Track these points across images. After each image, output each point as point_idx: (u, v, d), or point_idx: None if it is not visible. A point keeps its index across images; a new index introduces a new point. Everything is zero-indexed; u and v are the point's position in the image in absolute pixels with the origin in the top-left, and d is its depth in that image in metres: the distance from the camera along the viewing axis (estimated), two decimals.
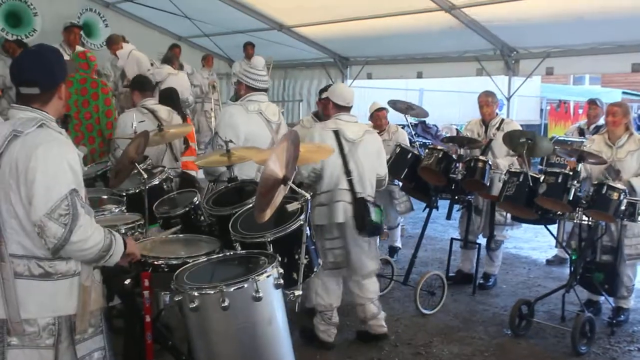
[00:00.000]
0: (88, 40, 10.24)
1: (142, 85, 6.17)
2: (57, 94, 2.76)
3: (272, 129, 4.98)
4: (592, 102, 7.78)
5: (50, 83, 2.74)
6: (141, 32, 11.73)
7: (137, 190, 4.47)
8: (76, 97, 6.41)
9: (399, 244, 7.85)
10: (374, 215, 4.71)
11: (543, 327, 5.54)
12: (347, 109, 4.99)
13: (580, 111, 16.64)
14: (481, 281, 6.72)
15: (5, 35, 9.06)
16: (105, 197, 4.50)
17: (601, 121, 7.50)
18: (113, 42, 8.96)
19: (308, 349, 5.00)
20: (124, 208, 4.25)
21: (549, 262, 7.87)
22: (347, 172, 4.78)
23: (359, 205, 4.72)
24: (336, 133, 4.83)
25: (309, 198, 3.04)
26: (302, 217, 3.13)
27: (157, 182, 4.63)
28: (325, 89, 5.36)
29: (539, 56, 8.84)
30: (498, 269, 6.89)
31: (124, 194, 4.50)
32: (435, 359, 4.97)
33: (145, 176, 4.19)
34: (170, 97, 7.04)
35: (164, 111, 5.99)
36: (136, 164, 4.15)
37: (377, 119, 7.27)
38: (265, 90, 5.22)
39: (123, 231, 3.59)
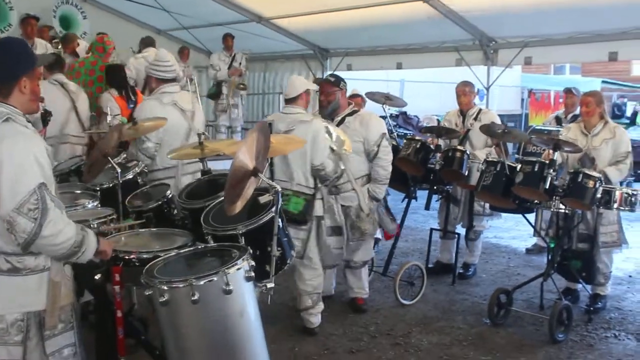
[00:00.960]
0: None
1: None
2: (16, 87, 2.69)
3: (187, 117, 5.27)
4: (568, 91, 7.85)
5: (6, 76, 2.69)
6: (119, 25, 11.56)
7: (111, 185, 4.42)
8: (84, 77, 7.04)
9: (379, 235, 7.83)
10: (291, 205, 4.73)
11: (521, 316, 5.57)
12: (288, 100, 5.11)
13: (561, 100, 16.73)
14: (461, 271, 6.75)
15: None
16: (79, 191, 4.44)
17: (578, 110, 7.54)
18: (69, 41, 8.53)
19: (285, 341, 4.99)
20: (97, 203, 4.18)
21: (528, 250, 7.92)
22: (270, 162, 4.87)
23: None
24: (270, 125, 4.89)
25: (280, 190, 3.01)
26: (274, 209, 3.10)
27: (131, 176, 4.59)
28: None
29: (517, 46, 8.83)
30: (477, 258, 6.92)
31: (98, 188, 4.45)
32: (414, 349, 4.98)
33: (119, 170, 4.13)
34: (115, 74, 7.04)
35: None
36: (109, 158, 4.09)
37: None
38: (175, 79, 5.42)
39: (95, 226, 3.54)
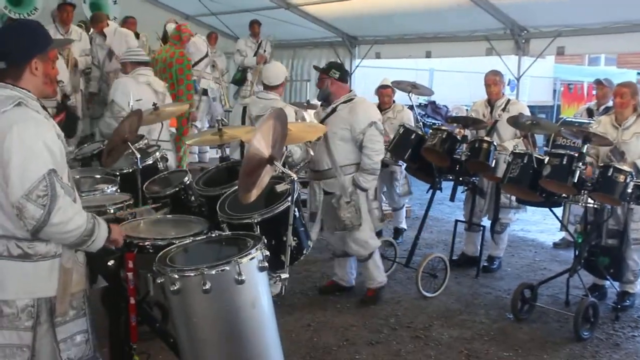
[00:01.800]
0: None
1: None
2: (28, 69, 2.65)
3: (159, 98, 5.97)
4: (599, 82, 7.64)
5: (17, 57, 2.64)
6: (149, 10, 11.61)
7: (131, 170, 4.39)
8: (160, 65, 7.74)
9: (404, 225, 7.77)
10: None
11: (546, 312, 5.45)
12: (268, 87, 5.50)
13: (595, 92, 16.39)
14: (485, 264, 6.63)
15: (9, 13, 8.97)
16: (99, 176, 4.42)
17: (611, 102, 7.35)
18: (98, 21, 8.79)
19: (304, 332, 4.95)
20: (117, 188, 4.16)
21: (556, 245, 7.76)
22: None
23: None
24: (244, 109, 5.55)
25: (295, 179, 2.95)
26: (290, 198, 3.03)
27: (151, 162, 4.56)
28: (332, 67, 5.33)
29: (549, 35, 8.62)
30: (503, 251, 6.79)
31: (118, 173, 4.43)
32: (434, 342, 4.89)
33: (139, 155, 4.11)
34: None
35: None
36: (129, 143, 4.06)
37: (381, 96, 7.23)
38: (147, 63, 6.50)
39: (112, 211, 3.51)
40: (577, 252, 5.28)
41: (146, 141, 5.00)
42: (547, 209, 5.84)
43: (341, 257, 5.67)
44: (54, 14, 8.57)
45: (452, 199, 6.29)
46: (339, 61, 11.39)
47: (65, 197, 2.59)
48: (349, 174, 5.24)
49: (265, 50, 10.83)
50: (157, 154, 4.69)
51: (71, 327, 2.81)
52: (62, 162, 2.68)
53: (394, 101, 7.32)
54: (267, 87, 5.45)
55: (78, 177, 4.41)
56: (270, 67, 5.91)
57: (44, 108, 2.73)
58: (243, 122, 5.39)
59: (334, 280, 5.80)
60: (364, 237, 5.35)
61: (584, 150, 4.89)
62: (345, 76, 5.42)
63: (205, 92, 9.66)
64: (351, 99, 5.31)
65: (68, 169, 2.77)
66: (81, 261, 2.84)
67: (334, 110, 5.27)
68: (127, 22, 9.31)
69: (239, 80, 10.93)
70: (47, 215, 2.52)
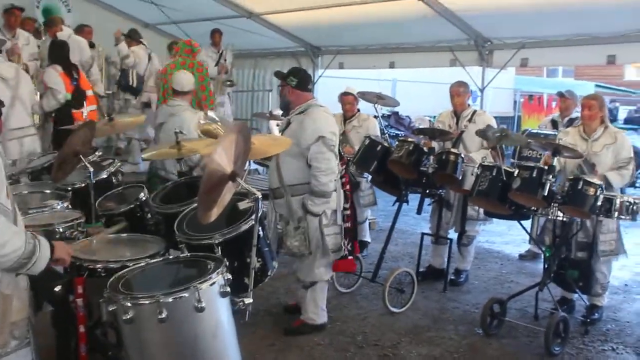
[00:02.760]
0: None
1: None
2: None
3: (9, 85, 6.02)
4: (562, 95, 7.66)
5: None
6: (107, 17, 11.32)
7: (84, 184, 4.14)
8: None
9: (367, 238, 7.61)
10: None
11: (515, 326, 5.33)
12: (177, 93, 5.84)
13: (554, 104, 16.54)
14: (452, 277, 6.50)
15: None
16: (49, 191, 4.16)
17: (574, 114, 7.35)
18: (53, 24, 8.53)
19: (267, 352, 4.75)
20: (67, 204, 3.91)
21: (522, 256, 7.69)
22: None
23: None
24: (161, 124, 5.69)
25: (259, 197, 2.75)
26: (254, 217, 2.84)
27: (105, 176, 4.32)
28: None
29: (513, 47, 8.61)
30: (470, 264, 6.69)
31: (70, 188, 4.17)
32: None
33: (92, 169, 3.87)
34: (59, 51, 7.26)
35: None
36: (81, 157, 3.83)
37: (343, 103, 7.06)
38: None
39: (61, 230, 3.27)
40: (546, 266, 5.19)
41: (100, 154, 4.74)
42: (511, 221, 5.76)
43: None
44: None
45: (419, 211, 6.16)
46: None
47: (0, 219, 2.35)
48: (298, 194, 4.77)
49: (226, 60, 10.60)
50: (112, 167, 4.44)
51: (13, 359, 2.57)
52: (0, 180, 2.44)
53: (358, 110, 7.17)
54: (177, 93, 5.87)
55: (26, 192, 4.17)
56: (182, 74, 6.23)
57: None
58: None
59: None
60: (309, 264, 4.93)
61: (554, 163, 4.80)
62: (305, 83, 4.91)
63: (147, 105, 9.63)
64: (305, 110, 4.84)
65: (7, 184, 2.52)
66: (23, 286, 2.59)
67: (289, 122, 4.88)
68: (83, 31, 9.07)
69: None
70: None
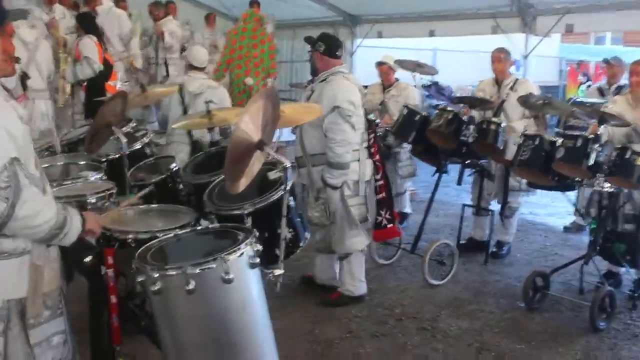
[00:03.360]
0: None
1: None
2: None
3: (28, 48, 6.30)
4: (607, 62, 7.36)
5: None
6: None
7: (118, 156, 4.11)
8: (248, 40, 8.75)
9: (408, 209, 7.49)
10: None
11: (559, 300, 5.19)
12: (197, 68, 5.98)
13: (601, 72, 16.07)
14: (494, 249, 6.36)
15: None
16: (84, 162, 4.15)
17: (622, 81, 7.07)
18: None
19: (304, 323, 4.70)
20: (102, 175, 3.88)
21: (566, 229, 7.49)
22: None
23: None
24: (181, 87, 5.77)
25: (288, 166, 2.67)
26: (283, 187, 2.75)
27: (139, 147, 4.28)
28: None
29: (558, 12, 8.28)
30: (512, 237, 6.53)
31: (104, 159, 4.15)
32: (442, 334, 4.64)
33: (125, 140, 3.83)
34: (89, 22, 7.57)
35: None
36: (114, 127, 3.79)
37: (379, 72, 6.92)
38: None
39: (93, 201, 3.24)
40: (592, 238, 5.01)
41: (134, 124, 4.71)
42: (556, 192, 5.58)
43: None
44: None
45: (459, 182, 6.01)
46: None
47: (31, 188, 2.32)
48: (319, 165, 4.69)
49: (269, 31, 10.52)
50: (146, 138, 4.40)
51: (46, 328, 2.56)
52: (27, 149, 2.40)
53: (397, 79, 7.02)
54: (197, 69, 5.98)
55: (61, 163, 4.16)
56: (199, 49, 6.34)
57: (6, 89, 2.45)
58: (182, 100, 5.77)
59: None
60: (340, 236, 4.83)
61: (600, 132, 4.60)
62: (332, 49, 4.75)
63: None
64: (327, 78, 4.71)
65: (35, 155, 2.49)
66: (54, 257, 2.58)
67: (312, 89, 4.78)
68: (119, 5, 9.03)
69: None
70: (12, 209, 2.25)
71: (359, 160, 4.71)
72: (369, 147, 4.82)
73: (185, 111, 5.60)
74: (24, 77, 6.32)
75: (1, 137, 2.27)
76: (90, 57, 7.12)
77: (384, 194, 4.92)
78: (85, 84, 7.34)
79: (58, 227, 2.42)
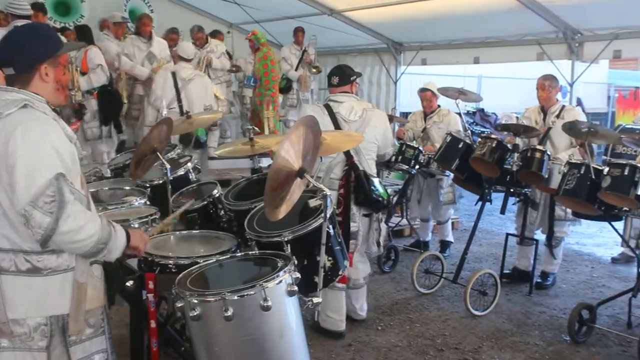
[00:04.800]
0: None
1: None
2: (37, 74, 2.46)
3: None
4: None
5: (24, 63, 2.46)
6: (191, 18, 11.51)
7: (161, 181, 4.19)
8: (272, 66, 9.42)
9: (450, 238, 7.41)
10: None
11: (606, 334, 5.05)
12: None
13: None
14: (539, 280, 6.24)
15: (54, 23, 9.00)
16: (128, 188, 4.23)
17: None
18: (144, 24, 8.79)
19: (342, 352, 4.68)
20: (146, 200, 3.96)
21: (614, 260, 7.30)
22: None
23: None
24: (173, 74, 7.51)
25: (328, 194, 2.67)
26: (323, 214, 2.76)
27: (182, 173, 4.34)
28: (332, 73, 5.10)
29: (605, 38, 8.18)
30: (558, 267, 6.39)
31: (148, 185, 4.23)
32: None
33: (168, 166, 3.90)
34: (86, 34, 7.99)
35: None
36: (158, 153, 3.86)
37: (421, 99, 6.91)
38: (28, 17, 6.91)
39: (136, 226, 3.31)
40: None
41: (178, 151, 4.80)
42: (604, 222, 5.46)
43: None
44: (101, 22, 8.61)
45: (502, 211, 5.92)
46: (384, 68, 11.18)
47: (75, 204, 2.37)
48: None
49: (309, 53, 10.65)
50: (189, 164, 4.46)
51: (88, 346, 2.61)
52: (74, 167, 2.47)
53: (438, 105, 7.00)
54: (184, 59, 7.67)
55: (107, 188, 4.25)
56: (186, 44, 8.15)
57: (56, 111, 2.53)
58: (175, 84, 7.53)
59: None
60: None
61: None
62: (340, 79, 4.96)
63: None
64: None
65: (82, 175, 2.56)
66: (97, 275, 2.64)
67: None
68: (168, 36, 9.32)
69: (284, 88, 10.69)
70: (55, 223, 2.31)
71: None
72: (339, 179, 4.62)
73: (178, 93, 7.47)
74: (80, 109, 6.61)
75: (47, 153, 2.34)
76: (103, 65, 7.65)
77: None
78: (96, 92, 7.71)
79: (103, 242, 2.47)
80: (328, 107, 4.69)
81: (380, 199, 4.53)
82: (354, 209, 4.55)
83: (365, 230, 4.76)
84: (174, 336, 3.21)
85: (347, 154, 4.54)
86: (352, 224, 4.55)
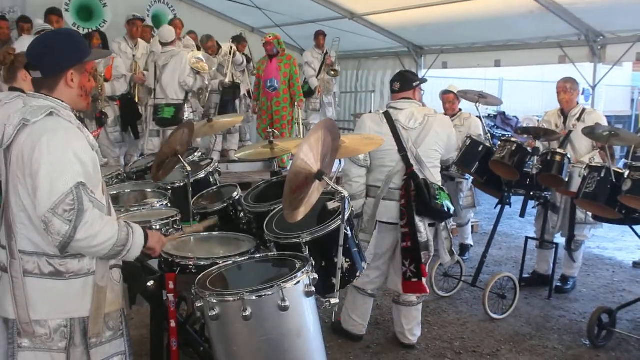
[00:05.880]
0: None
1: None
2: (63, 79, 2.53)
3: None
4: None
5: (52, 67, 2.52)
6: (213, 23, 11.63)
7: (182, 184, 4.24)
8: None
9: (470, 241, 7.41)
10: (165, 113, 7.78)
11: (626, 339, 5.03)
12: (166, 43, 8.04)
13: None
14: (558, 284, 6.23)
15: (77, 29, 9.11)
16: (150, 190, 4.30)
17: None
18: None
19: (361, 354, 4.71)
20: (167, 202, 4.02)
21: (636, 264, 7.26)
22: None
23: None
24: (154, 64, 8.08)
25: (346, 196, 2.70)
26: (341, 216, 2.79)
27: (203, 175, 4.39)
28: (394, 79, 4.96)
29: (628, 41, 8.12)
30: (578, 271, 6.37)
31: (169, 187, 4.29)
32: None
33: (189, 169, 3.95)
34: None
35: None
36: (180, 156, 3.92)
37: (444, 102, 6.92)
38: None
39: (157, 227, 3.37)
40: None
41: (199, 154, 4.86)
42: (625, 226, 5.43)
43: None
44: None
45: (522, 214, 5.91)
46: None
47: (93, 212, 2.43)
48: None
49: (330, 55, 10.66)
50: (210, 167, 4.52)
51: (108, 349, 2.68)
52: (95, 175, 2.53)
53: (460, 109, 7.00)
54: (166, 44, 7.97)
55: (129, 190, 4.32)
56: (165, 29, 8.22)
57: (80, 119, 2.59)
58: (155, 74, 7.96)
59: None
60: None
61: None
62: (403, 86, 4.71)
63: None
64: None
65: (103, 182, 2.62)
66: (116, 279, 2.70)
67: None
68: (205, 44, 9.44)
69: (307, 92, 10.66)
70: (73, 230, 2.37)
71: (368, 197, 4.62)
72: (399, 189, 4.51)
73: (155, 83, 7.92)
74: (101, 116, 6.79)
75: (70, 161, 2.40)
76: (125, 75, 7.99)
77: (407, 244, 4.46)
78: (118, 100, 8.05)
79: (121, 244, 2.52)
80: (387, 115, 4.54)
81: (443, 208, 4.38)
82: (417, 219, 4.41)
83: (432, 239, 4.57)
84: (194, 336, 3.25)
85: (407, 162, 4.42)
86: (419, 235, 4.39)
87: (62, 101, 2.54)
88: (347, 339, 4.89)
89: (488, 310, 5.41)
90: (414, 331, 4.87)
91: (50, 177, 2.37)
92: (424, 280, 4.47)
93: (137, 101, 8.34)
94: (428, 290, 4.61)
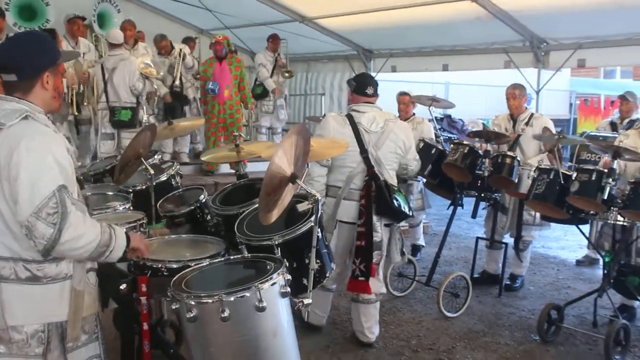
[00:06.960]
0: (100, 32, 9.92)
1: None
2: (39, 82, 2.52)
3: None
4: (623, 97, 7.52)
5: (28, 70, 2.51)
6: (161, 24, 11.51)
7: (144, 187, 4.24)
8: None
9: (422, 242, 7.57)
10: (122, 115, 7.79)
11: (573, 333, 5.24)
12: (114, 46, 7.88)
13: (611, 107, 16.20)
14: (508, 282, 6.43)
15: (18, 29, 8.87)
16: (111, 193, 4.27)
17: (634, 115, 7.19)
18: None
19: (321, 354, 4.78)
20: (129, 205, 4.00)
21: (579, 262, 7.56)
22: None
23: None
24: (102, 67, 7.82)
25: (319, 198, 2.78)
26: (313, 218, 2.86)
27: (165, 178, 4.39)
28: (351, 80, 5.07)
29: (570, 47, 8.44)
30: (526, 269, 6.60)
31: (131, 190, 4.27)
32: None
33: (152, 172, 3.96)
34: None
35: None
36: (142, 159, 3.92)
37: (399, 102, 7.05)
38: None
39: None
40: (605, 272, 5.07)
41: (160, 157, 4.85)
42: (567, 225, 5.66)
43: None
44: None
45: (473, 215, 6.09)
46: (354, 75, 11.25)
47: (76, 213, 2.44)
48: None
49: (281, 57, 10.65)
50: (172, 170, 4.52)
51: (84, 352, 2.69)
52: (72, 178, 2.53)
53: (413, 113, 7.15)
54: (114, 46, 7.84)
55: (89, 194, 4.28)
56: (115, 30, 8.12)
57: (51, 121, 2.59)
58: (103, 76, 7.75)
59: None
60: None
61: (614, 166, 4.70)
62: (359, 88, 4.92)
63: None
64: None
65: (77, 185, 2.62)
66: (92, 283, 2.70)
67: None
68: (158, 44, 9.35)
69: (260, 94, 10.60)
70: (58, 233, 2.37)
71: (327, 197, 4.67)
72: (360, 190, 4.61)
73: (105, 85, 7.72)
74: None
75: (50, 166, 2.40)
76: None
77: (362, 242, 4.55)
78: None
79: (104, 245, 2.53)
80: (350, 118, 4.67)
81: (401, 208, 4.57)
82: (375, 219, 4.53)
83: (386, 240, 4.76)
84: (163, 338, 3.27)
85: (368, 164, 4.53)
86: (375, 235, 4.51)
87: (34, 104, 2.52)
88: (309, 330, 4.94)
89: (442, 308, 5.56)
90: (373, 329, 4.95)
91: (31, 181, 2.36)
92: (370, 280, 4.58)
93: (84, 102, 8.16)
94: (371, 291, 4.70)
